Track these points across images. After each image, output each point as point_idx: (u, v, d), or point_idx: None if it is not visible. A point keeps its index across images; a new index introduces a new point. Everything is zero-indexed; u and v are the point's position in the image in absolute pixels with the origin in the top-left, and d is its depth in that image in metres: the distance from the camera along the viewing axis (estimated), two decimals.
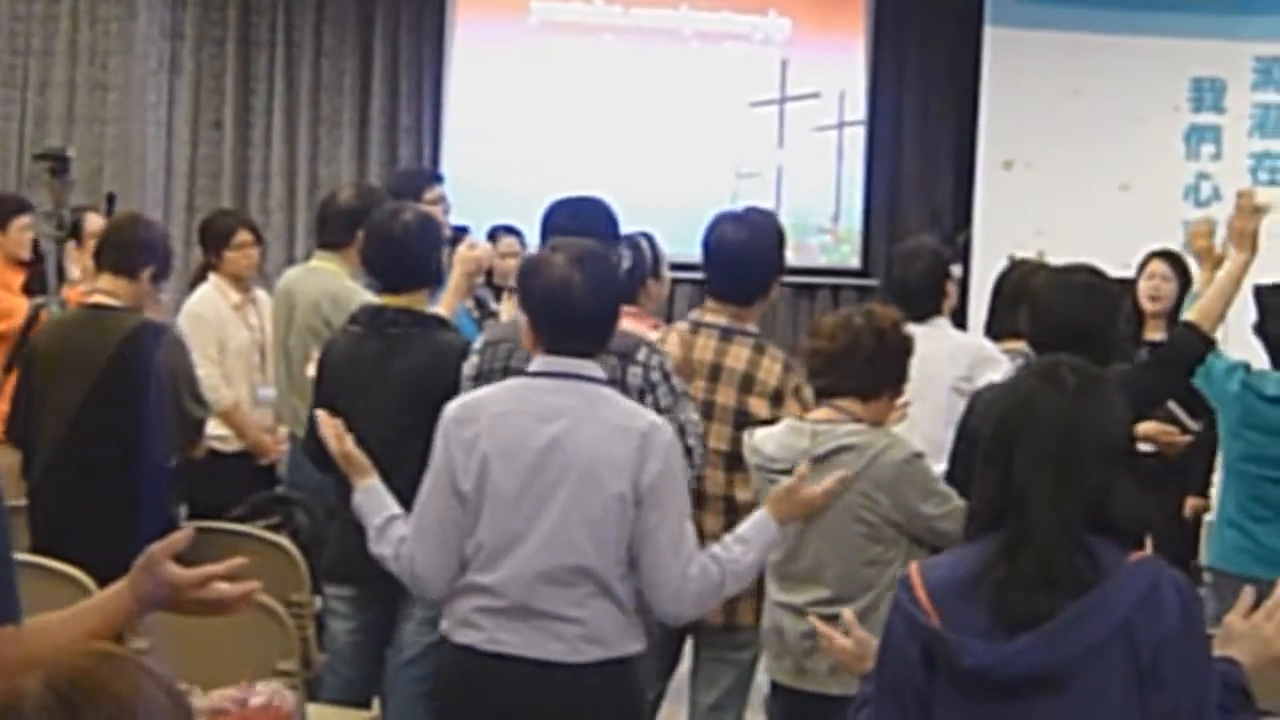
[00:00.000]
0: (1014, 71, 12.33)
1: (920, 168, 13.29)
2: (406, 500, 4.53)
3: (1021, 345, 5.99)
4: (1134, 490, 3.14)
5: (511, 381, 4.52)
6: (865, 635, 3.62)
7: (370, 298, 6.06)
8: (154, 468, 6.02)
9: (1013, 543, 3.10)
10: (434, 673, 4.73)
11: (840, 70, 12.89)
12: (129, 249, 6.19)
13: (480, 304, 7.14)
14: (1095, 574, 3.06)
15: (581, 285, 4.35)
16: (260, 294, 7.88)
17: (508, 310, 6.68)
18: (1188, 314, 5.70)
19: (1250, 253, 5.72)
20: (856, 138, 12.93)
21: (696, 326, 5.66)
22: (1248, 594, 3.45)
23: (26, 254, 8.44)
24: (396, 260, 5.77)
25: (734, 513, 4.75)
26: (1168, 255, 7.86)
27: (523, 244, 9.30)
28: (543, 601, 4.27)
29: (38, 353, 6.29)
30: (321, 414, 4.93)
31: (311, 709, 5.38)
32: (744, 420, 5.45)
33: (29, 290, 8.28)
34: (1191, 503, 7.44)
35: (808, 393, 5.53)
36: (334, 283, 6.93)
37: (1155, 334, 7.55)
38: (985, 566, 3.12)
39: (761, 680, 5.33)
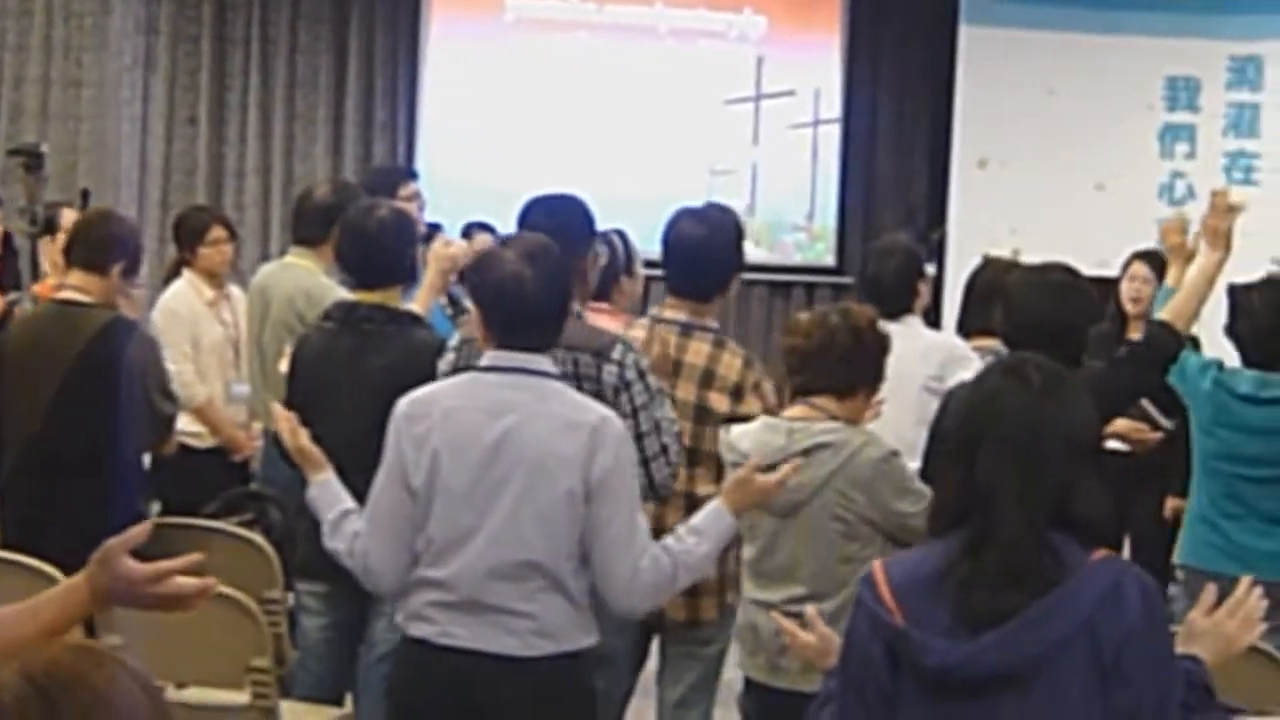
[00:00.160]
0: (989, 70, 12.34)
1: (895, 166, 13.31)
2: None
3: (993, 343, 6.01)
4: (1098, 488, 3.14)
5: (463, 377, 4.53)
6: (828, 631, 3.63)
7: (345, 294, 6.06)
8: (125, 464, 6.02)
9: (977, 540, 3.10)
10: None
11: (815, 68, 12.90)
12: (99, 245, 6.18)
13: (454, 301, 7.14)
14: (1059, 572, 3.06)
15: (532, 281, 4.36)
16: (234, 290, 7.87)
17: None
18: (1161, 312, 5.71)
19: (1224, 251, 5.73)
20: (831, 136, 12.94)
21: (656, 322, 5.66)
22: (1210, 591, 3.46)
23: None
24: (370, 256, 5.78)
25: (695, 508, 4.75)
26: (1150, 256, 7.87)
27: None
28: (493, 596, 4.28)
29: (8, 349, 6.27)
30: (276, 407, 4.93)
31: (284, 706, 5.38)
32: (704, 416, 5.47)
33: (0, 285, 8.27)
34: (1171, 503, 7.44)
35: (767, 387, 5.54)
36: (309, 279, 6.92)
37: (1138, 335, 7.56)
38: (949, 564, 3.11)
39: (735, 677, 5.33)
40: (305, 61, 12.69)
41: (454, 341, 5.32)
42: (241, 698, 5.25)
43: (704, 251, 5.63)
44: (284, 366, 5.92)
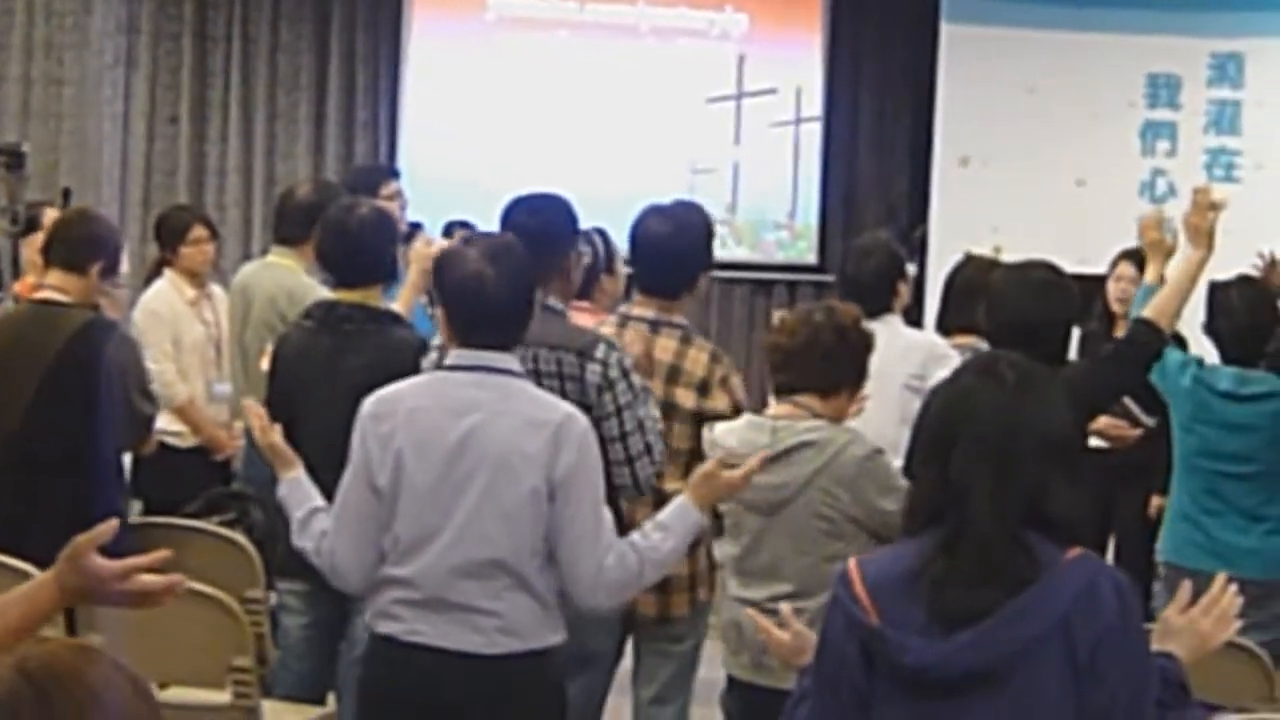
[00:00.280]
0: (970, 68, 12.34)
1: (877, 164, 13.31)
2: None
3: (972, 340, 6.02)
4: (1073, 487, 3.14)
5: (428, 376, 4.54)
6: (802, 628, 3.62)
7: (327, 294, 6.06)
8: (104, 464, 6.01)
9: (951, 539, 3.10)
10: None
11: (797, 66, 12.90)
12: (77, 245, 6.17)
13: (434, 300, 7.14)
14: (1033, 571, 3.06)
15: (495, 279, 4.37)
16: (216, 289, 7.87)
17: None
18: (1144, 310, 5.72)
19: (1207, 250, 5.72)
20: (813, 134, 12.93)
21: (625, 320, 5.66)
22: (1185, 588, 3.46)
23: None
24: (351, 255, 5.79)
25: (662, 504, 4.76)
26: (1136, 256, 7.88)
27: None
28: (458, 594, 4.30)
29: None
30: (249, 404, 4.94)
31: (267, 705, 5.38)
32: (671, 411, 5.48)
33: None
34: (1156, 502, 7.46)
35: (735, 382, 5.56)
36: (291, 278, 6.93)
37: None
38: (924, 563, 3.11)
39: (719, 676, 5.33)
40: (287, 60, 12.66)
41: (437, 340, 5.32)
42: (223, 697, 5.25)
43: (670, 249, 5.64)
44: (265, 365, 5.92)
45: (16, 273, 8.34)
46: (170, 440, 7.25)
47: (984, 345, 5.61)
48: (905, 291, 6.52)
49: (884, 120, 13.27)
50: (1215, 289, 6.38)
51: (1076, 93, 12.22)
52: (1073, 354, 6.36)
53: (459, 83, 12.49)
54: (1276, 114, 12.15)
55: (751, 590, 5.02)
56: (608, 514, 4.39)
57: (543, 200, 5.38)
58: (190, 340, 7.63)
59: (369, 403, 4.45)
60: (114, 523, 3.23)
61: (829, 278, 12.26)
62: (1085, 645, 3.03)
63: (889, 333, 6.16)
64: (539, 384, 5.04)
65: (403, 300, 6.21)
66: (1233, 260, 6.42)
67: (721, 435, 5.11)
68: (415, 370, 5.21)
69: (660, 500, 5.28)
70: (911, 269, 7.03)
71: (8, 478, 6.00)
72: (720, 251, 13.18)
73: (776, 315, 6.67)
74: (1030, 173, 12.14)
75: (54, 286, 6.12)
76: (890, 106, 13.26)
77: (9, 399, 6.03)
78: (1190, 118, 12.30)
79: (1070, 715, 3.05)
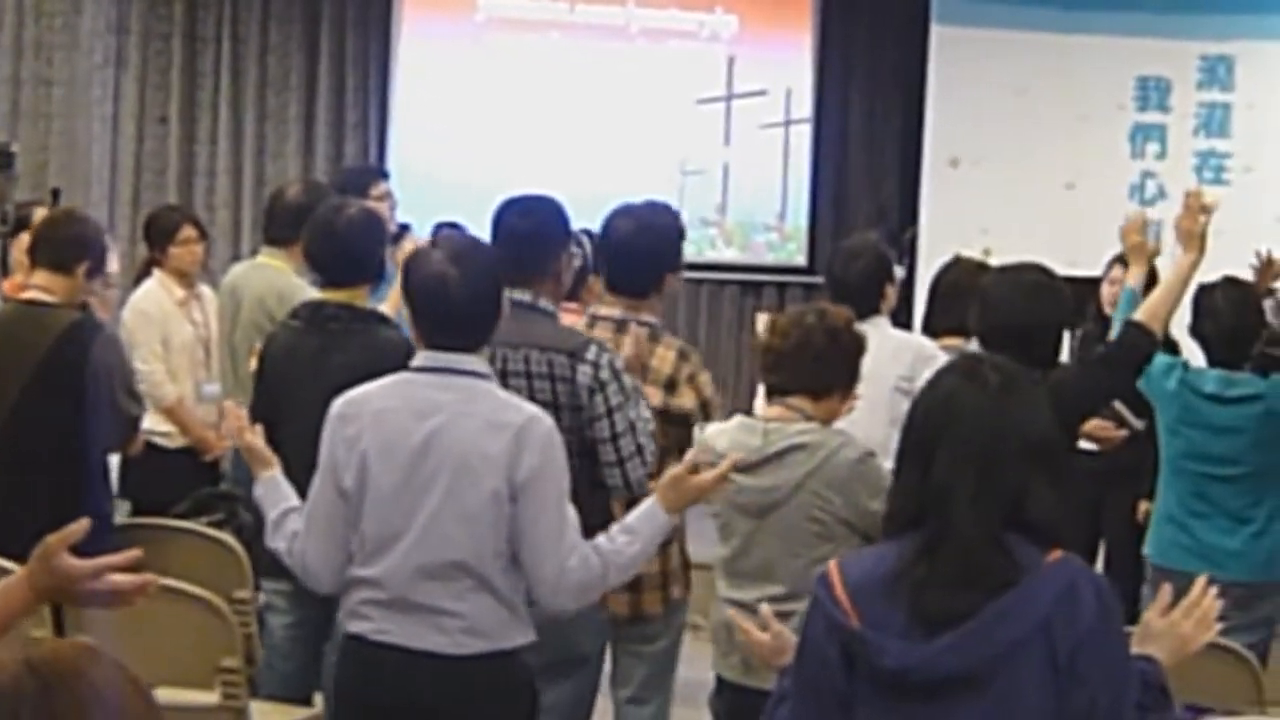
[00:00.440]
0: (960, 70, 12.38)
1: (866, 166, 13.33)
2: None
3: (959, 342, 6.02)
4: (1054, 490, 3.14)
5: (395, 377, 4.53)
6: (782, 629, 3.61)
7: (316, 294, 6.06)
8: (91, 464, 6.00)
9: (933, 541, 3.09)
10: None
11: (787, 68, 12.93)
12: (63, 245, 6.16)
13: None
14: (1014, 573, 3.05)
15: (458, 280, 4.35)
16: (205, 290, 7.87)
17: None
18: (1136, 313, 5.70)
19: (1199, 252, 5.70)
20: (803, 135, 12.96)
21: (594, 320, 5.67)
22: (1165, 591, 3.45)
23: None
24: (338, 255, 5.79)
25: (634, 504, 4.76)
26: None
27: None
28: (422, 595, 4.30)
29: None
30: (228, 405, 4.94)
31: (254, 706, 5.38)
32: None
33: None
34: (1144, 507, 7.45)
35: (704, 379, 5.56)
36: (280, 279, 6.92)
37: None
38: (905, 565, 3.10)
39: (707, 676, 5.34)
40: (276, 61, 12.68)
41: None
42: (211, 698, 5.25)
43: (635, 248, 5.64)
44: (253, 365, 5.93)
45: (5, 272, 8.35)
46: (159, 441, 7.25)
47: (971, 347, 5.61)
48: (893, 293, 6.52)
49: (874, 122, 13.31)
50: (1201, 291, 6.38)
51: (1066, 95, 12.26)
52: (1066, 356, 6.36)
53: (449, 83, 12.50)
54: (1266, 117, 12.19)
55: (742, 592, 5.02)
56: (573, 515, 4.38)
57: (534, 202, 5.38)
58: (179, 341, 7.62)
59: (338, 404, 4.45)
60: (85, 522, 3.22)
61: (819, 279, 12.26)
62: (1065, 648, 3.03)
63: (878, 334, 6.15)
64: (530, 385, 5.04)
65: (391, 301, 6.21)
66: (1222, 263, 6.42)
67: (712, 436, 5.11)
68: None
69: (634, 498, 5.29)
70: (900, 271, 7.03)
71: None
72: (710, 253, 13.14)
73: (760, 317, 6.68)
74: (1020, 175, 12.18)
75: (40, 287, 6.11)
76: (880, 108, 13.30)
77: None
78: (1180, 120, 12.34)
79: (1051, 718, 3.05)
